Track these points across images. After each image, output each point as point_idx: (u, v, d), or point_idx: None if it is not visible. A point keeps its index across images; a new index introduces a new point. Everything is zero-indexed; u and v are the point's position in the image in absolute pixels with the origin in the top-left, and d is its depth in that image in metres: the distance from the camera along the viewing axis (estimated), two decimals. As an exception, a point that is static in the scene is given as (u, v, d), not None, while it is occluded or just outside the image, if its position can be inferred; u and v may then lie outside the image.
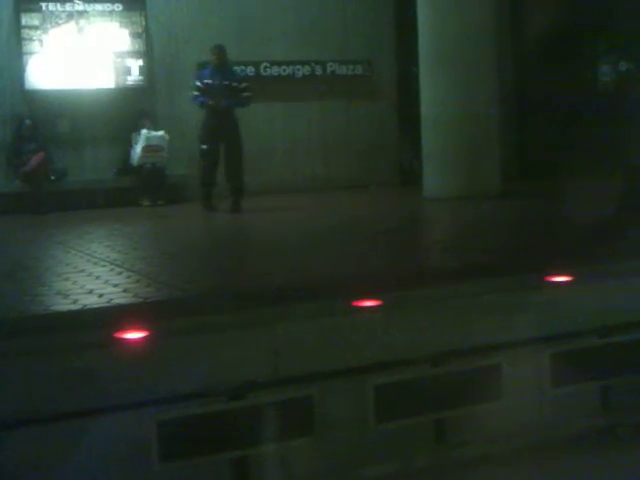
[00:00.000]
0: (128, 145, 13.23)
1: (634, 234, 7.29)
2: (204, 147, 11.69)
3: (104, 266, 7.33)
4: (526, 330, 5.71)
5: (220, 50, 11.78)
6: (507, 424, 5.57)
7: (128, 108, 13.35)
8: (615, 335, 6.01)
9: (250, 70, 13.94)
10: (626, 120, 10.14)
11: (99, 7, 13.24)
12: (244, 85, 11.79)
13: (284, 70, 14.35)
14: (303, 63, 14.46)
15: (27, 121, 12.83)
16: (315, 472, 5.16)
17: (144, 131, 13.07)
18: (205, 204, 11.85)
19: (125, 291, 6.06)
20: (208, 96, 11.61)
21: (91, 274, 6.87)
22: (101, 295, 5.88)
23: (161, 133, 13.20)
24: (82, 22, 13.13)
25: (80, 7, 13.10)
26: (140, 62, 13.52)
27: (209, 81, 11.67)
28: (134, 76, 13.49)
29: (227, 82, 11.65)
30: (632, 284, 6.22)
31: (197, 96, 11.71)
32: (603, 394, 6.00)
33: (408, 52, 13.68)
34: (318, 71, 14.56)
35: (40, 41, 12.93)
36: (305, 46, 14.48)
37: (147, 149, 13.04)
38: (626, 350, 6.03)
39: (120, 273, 6.89)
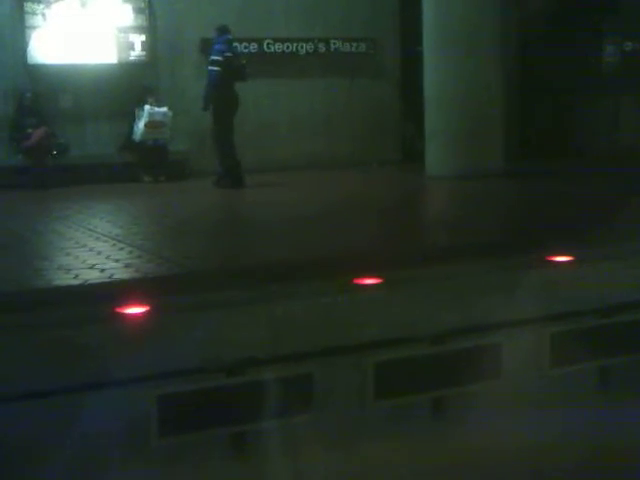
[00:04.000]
0: (131, 120, 13.18)
1: (635, 214, 7.30)
2: None
3: (106, 241, 7.34)
4: (527, 309, 5.71)
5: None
6: (506, 403, 5.58)
7: (130, 83, 13.31)
8: (616, 315, 6.01)
9: (253, 47, 13.91)
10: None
11: (102, -19, 13.19)
12: None
13: (287, 47, 14.30)
14: (306, 40, 14.39)
15: (28, 94, 12.79)
16: (314, 449, 5.17)
17: (147, 107, 13.02)
18: None
19: (126, 266, 6.08)
20: None
21: (93, 249, 6.89)
22: (103, 270, 5.91)
23: (164, 109, 13.15)
24: (85, -4, 13.09)
25: (83, -19, 13.07)
26: (143, 37, 13.46)
27: None
28: (137, 51, 13.45)
29: None
30: (633, 264, 6.22)
31: None
32: (602, 374, 6.01)
33: (412, 31, 13.61)
34: (321, 48, 14.51)
35: (43, 15, 12.87)
36: (309, 23, 14.43)
37: (149, 125, 12.99)
38: (627, 330, 6.03)
39: (122, 249, 6.90)
